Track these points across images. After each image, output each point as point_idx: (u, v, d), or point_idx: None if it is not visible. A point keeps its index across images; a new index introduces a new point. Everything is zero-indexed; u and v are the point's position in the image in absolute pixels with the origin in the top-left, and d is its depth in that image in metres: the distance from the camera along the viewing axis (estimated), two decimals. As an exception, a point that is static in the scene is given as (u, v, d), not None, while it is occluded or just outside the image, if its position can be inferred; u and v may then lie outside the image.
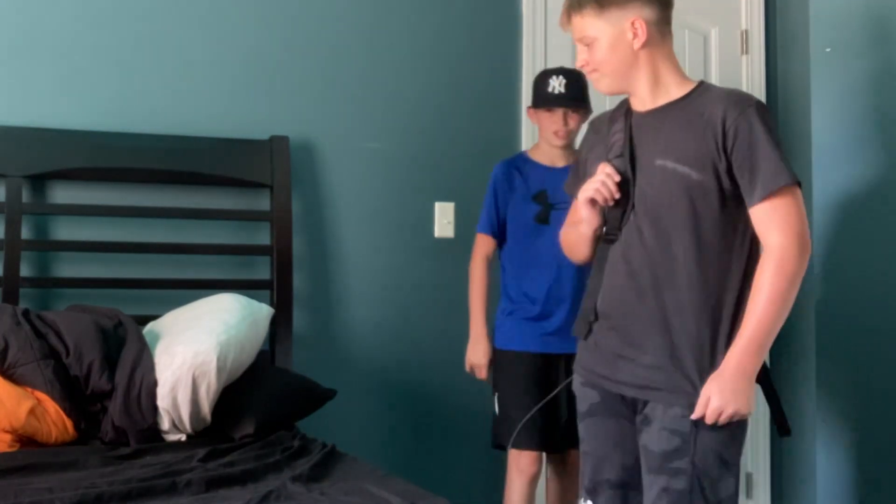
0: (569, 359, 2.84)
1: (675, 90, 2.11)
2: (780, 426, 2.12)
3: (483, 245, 3.07)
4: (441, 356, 3.29)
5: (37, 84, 2.98)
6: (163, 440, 2.57)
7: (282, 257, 3.13)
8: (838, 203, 3.26)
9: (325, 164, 3.31)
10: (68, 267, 3.00)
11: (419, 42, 3.44)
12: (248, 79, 3.21)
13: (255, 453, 2.43)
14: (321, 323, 3.30)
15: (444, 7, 3.48)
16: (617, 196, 2.09)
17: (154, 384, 2.55)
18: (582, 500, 2.20)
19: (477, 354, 3.02)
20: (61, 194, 3.00)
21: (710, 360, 2.01)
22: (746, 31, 3.85)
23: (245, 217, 3.20)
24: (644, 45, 2.08)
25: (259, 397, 2.68)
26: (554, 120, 2.98)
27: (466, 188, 3.35)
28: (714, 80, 3.59)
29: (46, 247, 2.99)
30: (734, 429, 2.02)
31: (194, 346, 2.58)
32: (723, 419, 1.97)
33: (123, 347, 2.64)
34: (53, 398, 2.51)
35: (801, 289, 2.01)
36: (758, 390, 2.05)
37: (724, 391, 1.96)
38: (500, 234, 3.05)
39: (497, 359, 3.01)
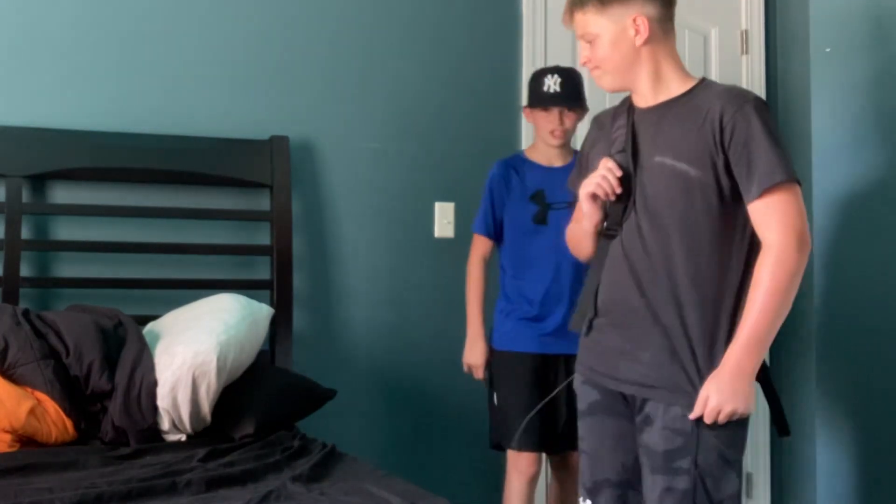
0: (568, 359, 2.85)
1: (676, 87, 2.11)
2: (780, 426, 2.12)
3: (480, 245, 3.07)
4: (441, 356, 3.29)
5: (37, 84, 2.98)
6: (163, 440, 2.57)
7: (282, 257, 3.13)
8: (838, 203, 3.26)
9: (325, 164, 3.31)
10: (68, 267, 3.00)
11: (419, 42, 3.44)
12: (248, 79, 3.21)
13: (255, 453, 2.43)
14: (321, 323, 3.30)
15: (444, 7, 3.48)
16: (618, 191, 2.09)
17: (154, 384, 2.55)
18: (581, 499, 2.20)
19: (474, 355, 3.02)
20: (61, 194, 3.00)
21: (709, 359, 2.01)
22: (746, 31, 3.85)
23: (245, 217, 3.20)
24: (646, 42, 2.08)
25: (259, 397, 2.68)
26: (550, 119, 2.97)
27: (466, 188, 3.34)
28: (714, 80, 3.59)
29: (46, 247, 2.99)
30: (736, 427, 2.02)
31: (194, 346, 2.58)
32: (721, 418, 1.97)
33: (123, 347, 2.64)
34: (53, 398, 2.51)
35: (801, 288, 2.00)
36: (758, 389, 2.05)
37: (723, 390, 1.95)
38: (496, 235, 3.04)
39: (495, 359, 3.00)
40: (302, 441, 2.55)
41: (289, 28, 3.27)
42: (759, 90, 3.75)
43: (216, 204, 3.15)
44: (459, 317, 3.09)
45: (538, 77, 3.02)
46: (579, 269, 2.82)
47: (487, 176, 3.07)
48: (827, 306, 3.30)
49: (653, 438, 2.04)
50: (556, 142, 2.98)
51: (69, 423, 2.52)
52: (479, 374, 3.03)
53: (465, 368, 3.06)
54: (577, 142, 3.40)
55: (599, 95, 3.30)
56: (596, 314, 2.14)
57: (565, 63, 3.15)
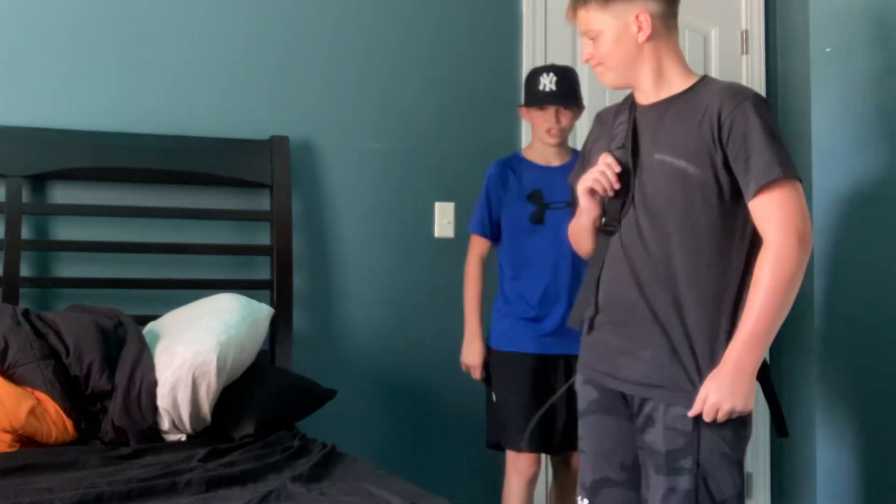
0: (567, 359, 2.85)
1: (677, 84, 2.11)
2: (779, 427, 2.11)
3: (477, 245, 3.06)
4: (441, 356, 3.29)
5: (37, 84, 2.98)
6: (163, 440, 2.57)
7: (282, 257, 3.13)
8: (838, 203, 3.26)
9: (325, 164, 3.31)
10: (68, 267, 3.00)
11: (419, 42, 3.44)
12: (248, 79, 3.21)
13: (255, 453, 2.43)
14: (321, 323, 3.30)
15: (443, 7, 3.48)
16: (616, 187, 2.09)
17: (154, 384, 2.55)
18: (580, 498, 2.19)
19: (471, 355, 3.02)
20: (61, 194, 3.00)
21: (710, 358, 2.00)
22: (746, 31, 3.85)
23: (245, 217, 3.20)
24: (649, 39, 2.08)
25: (259, 397, 2.68)
26: (546, 118, 2.96)
27: (466, 188, 3.34)
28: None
29: (46, 247, 2.99)
30: (737, 426, 2.01)
31: (194, 346, 2.58)
32: (720, 416, 1.96)
33: (123, 347, 2.64)
34: (53, 398, 2.51)
35: (801, 288, 1.99)
36: (757, 388, 2.04)
37: (722, 388, 1.95)
38: (492, 235, 3.04)
39: (494, 359, 3.00)
40: (302, 441, 2.55)
41: (289, 28, 3.27)
42: (759, 90, 3.74)
43: (216, 204, 3.15)
44: (460, 317, 3.08)
45: (534, 76, 3.01)
46: (577, 269, 2.82)
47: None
48: (827, 306, 3.30)
49: (655, 439, 2.04)
50: (552, 140, 2.97)
51: (69, 423, 2.52)
52: (477, 374, 3.03)
53: (464, 368, 3.06)
54: (577, 141, 3.41)
55: (599, 93, 3.30)
56: (597, 311, 2.14)
57: (565, 63, 3.15)
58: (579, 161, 2.33)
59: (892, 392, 3.22)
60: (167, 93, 3.11)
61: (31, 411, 2.44)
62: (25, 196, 2.92)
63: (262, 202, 3.20)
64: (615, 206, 2.12)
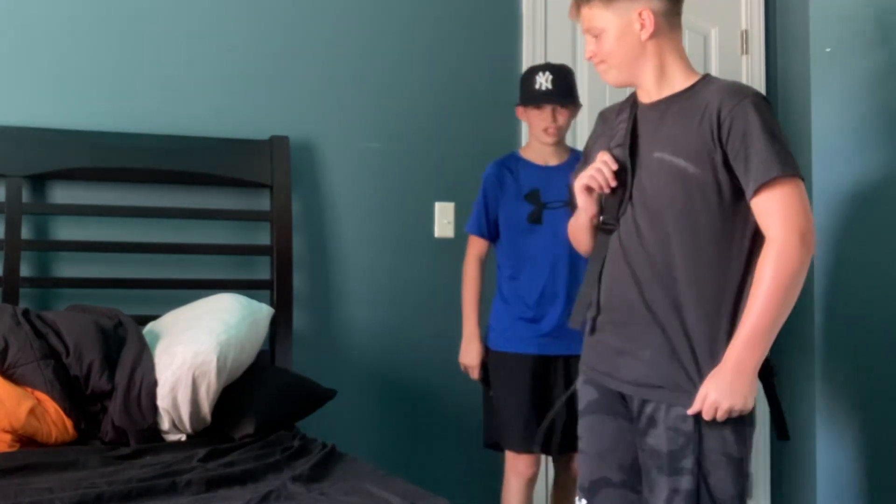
0: (567, 360, 2.85)
1: (679, 82, 2.11)
2: (780, 431, 2.10)
3: (475, 245, 3.06)
4: (441, 356, 3.28)
5: (37, 84, 2.98)
6: (163, 440, 2.57)
7: (282, 257, 3.13)
8: (839, 202, 3.26)
9: (325, 164, 3.31)
10: (68, 267, 3.00)
11: (419, 42, 3.44)
12: (248, 79, 3.21)
13: (255, 453, 2.43)
14: (321, 323, 3.30)
15: (443, 7, 3.48)
16: (613, 184, 2.09)
17: (154, 384, 2.55)
18: (578, 498, 2.19)
19: (469, 355, 3.01)
20: (61, 194, 3.00)
21: (709, 357, 2.00)
22: (746, 31, 3.85)
23: (245, 217, 3.20)
24: (651, 37, 2.08)
25: (259, 397, 2.68)
26: (543, 117, 2.95)
27: (466, 188, 3.34)
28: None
29: (46, 247, 2.99)
30: (738, 426, 2.00)
31: (194, 346, 2.58)
32: (720, 415, 1.96)
33: (123, 347, 2.64)
34: (53, 398, 2.51)
35: (803, 287, 1.99)
36: (758, 388, 2.04)
37: (721, 387, 1.95)
38: (490, 235, 3.03)
39: (492, 360, 2.99)
40: (302, 441, 2.55)
41: (288, 28, 3.27)
42: (760, 90, 3.73)
43: (216, 204, 3.15)
44: (460, 317, 3.08)
45: (530, 75, 3.00)
46: (575, 269, 2.82)
47: (485, 176, 3.08)
48: (827, 306, 3.30)
49: (657, 440, 2.03)
50: (549, 139, 2.97)
51: (69, 423, 2.52)
52: (475, 374, 3.02)
53: (462, 368, 3.06)
54: (576, 140, 3.41)
55: (599, 92, 3.30)
56: (598, 312, 2.14)
57: (566, 63, 3.14)
58: (581, 159, 2.33)
59: (892, 392, 3.22)
60: (167, 93, 3.11)
61: (31, 411, 2.44)
62: (25, 196, 2.92)
63: (262, 202, 3.20)
64: (612, 204, 2.12)
